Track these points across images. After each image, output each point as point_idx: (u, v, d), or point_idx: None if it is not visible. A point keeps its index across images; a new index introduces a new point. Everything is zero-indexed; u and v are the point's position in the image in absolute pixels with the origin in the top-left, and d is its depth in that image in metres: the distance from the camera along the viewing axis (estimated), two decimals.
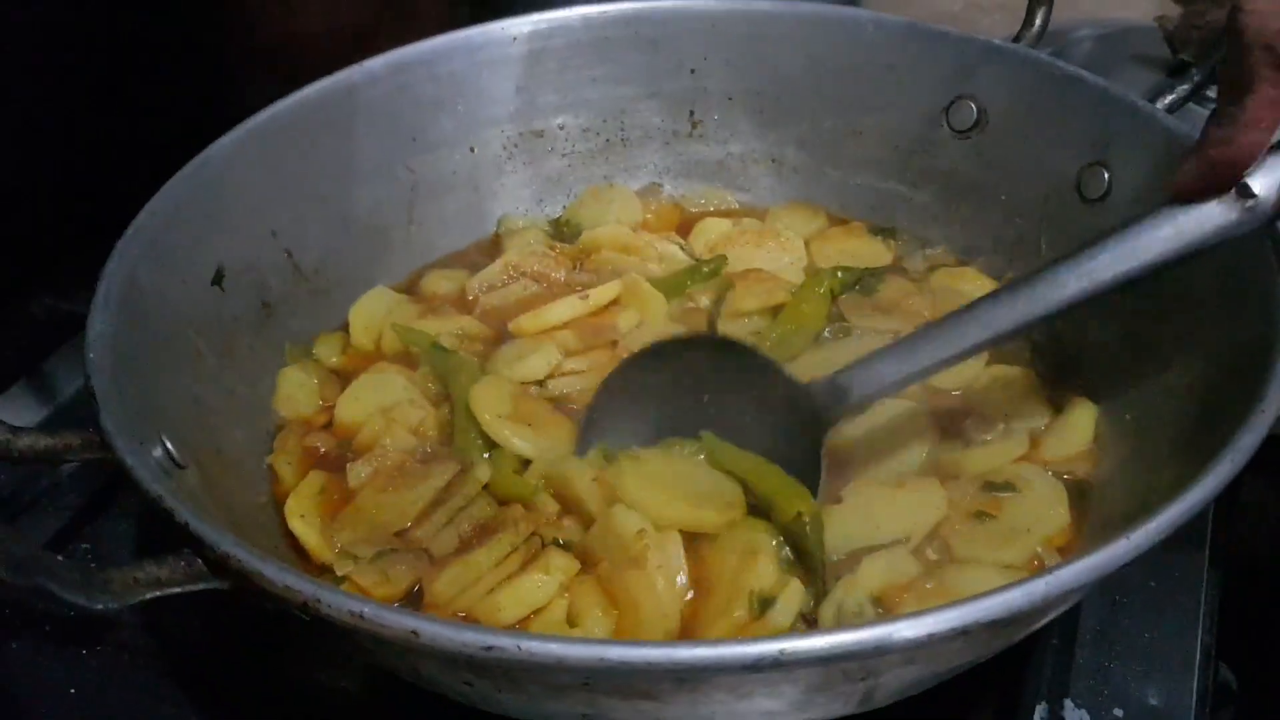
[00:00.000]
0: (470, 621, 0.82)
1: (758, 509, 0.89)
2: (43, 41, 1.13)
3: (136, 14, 1.19)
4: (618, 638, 0.81)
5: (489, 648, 0.59)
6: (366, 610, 0.61)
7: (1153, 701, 0.86)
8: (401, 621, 0.61)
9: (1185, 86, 1.04)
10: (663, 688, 0.63)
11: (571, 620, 0.83)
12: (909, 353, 0.88)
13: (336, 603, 0.62)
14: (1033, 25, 1.15)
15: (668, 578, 0.82)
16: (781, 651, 0.58)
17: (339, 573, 0.88)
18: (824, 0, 1.29)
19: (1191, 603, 0.94)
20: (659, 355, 1.00)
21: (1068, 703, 0.86)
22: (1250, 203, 0.79)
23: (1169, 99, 1.04)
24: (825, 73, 1.21)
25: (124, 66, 1.21)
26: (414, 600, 0.87)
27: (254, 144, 1.07)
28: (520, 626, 0.82)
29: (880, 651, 0.59)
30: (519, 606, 0.83)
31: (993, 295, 0.86)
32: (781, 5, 1.23)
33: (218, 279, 1.01)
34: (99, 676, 0.93)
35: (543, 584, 0.84)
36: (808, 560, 0.84)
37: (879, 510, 0.89)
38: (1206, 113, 0.81)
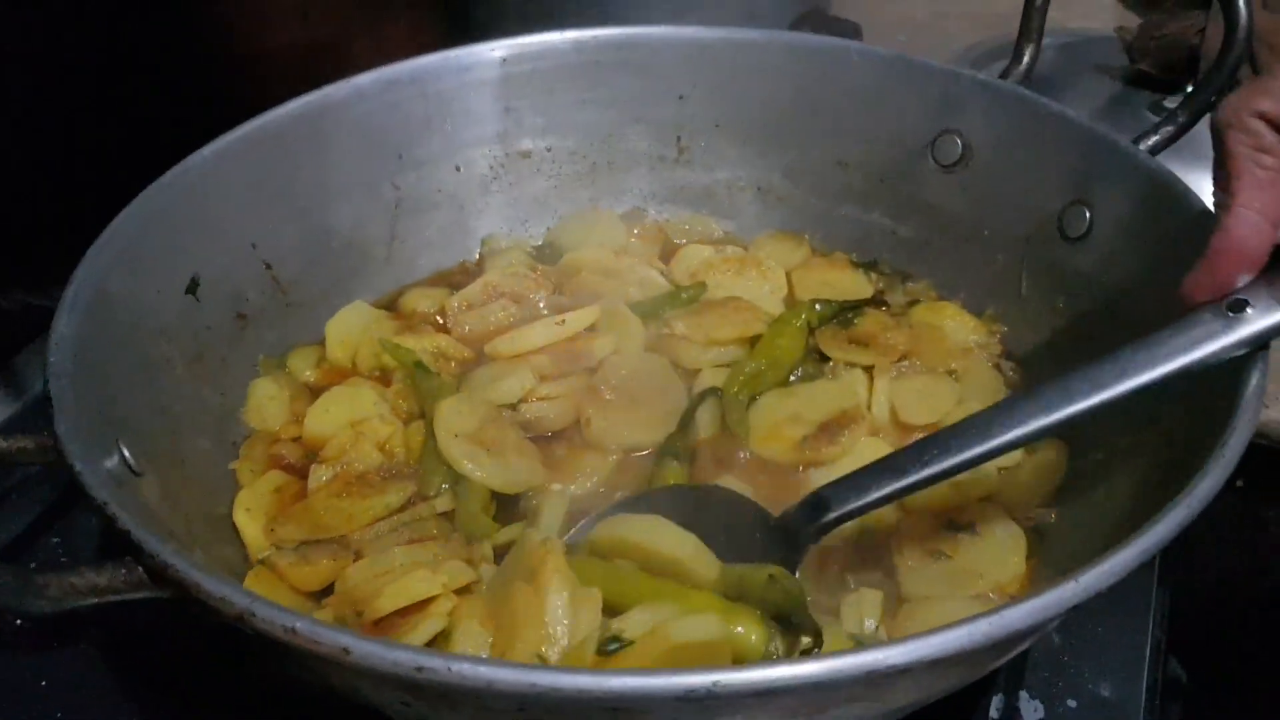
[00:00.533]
0: (355, 614, 0.83)
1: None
2: (25, 43, 1.14)
3: (124, 19, 1.20)
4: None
5: (420, 668, 0.58)
6: (299, 625, 0.61)
7: (1105, 694, 0.88)
8: (333, 638, 0.60)
9: (1169, 128, 1.03)
10: (595, 717, 0.62)
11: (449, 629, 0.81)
12: (881, 474, 0.84)
13: (269, 616, 0.61)
14: (1020, 62, 1.15)
15: (561, 592, 0.79)
16: (715, 684, 0.57)
17: (260, 558, 0.88)
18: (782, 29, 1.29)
19: (1143, 599, 0.95)
20: (651, 498, 0.96)
21: (1023, 694, 0.88)
22: (1243, 315, 0.77)
23: (1153, 140, 1.03)
24: (812, 103, 1.21)
25: (110, 69, 1.22)
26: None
27: (238, 154, 1.07)
28: (398, 620, 0.81)
29: (816, 687, 0.58)
30: (397, 599, 0.82)
31: (977, 416, 0.83)
32: (770, 34, 1.23)
33: (192, 288, 1.01)
34: (71, 671, 0.93)
35: (425, 580, 0.83)
36: (796, 618, 0.81)
37: None
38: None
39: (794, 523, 0.86)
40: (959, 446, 0.81)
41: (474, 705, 0.63)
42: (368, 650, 0.59)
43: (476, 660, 0.58)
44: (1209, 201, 0.93)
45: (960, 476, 0.93)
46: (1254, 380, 0.76)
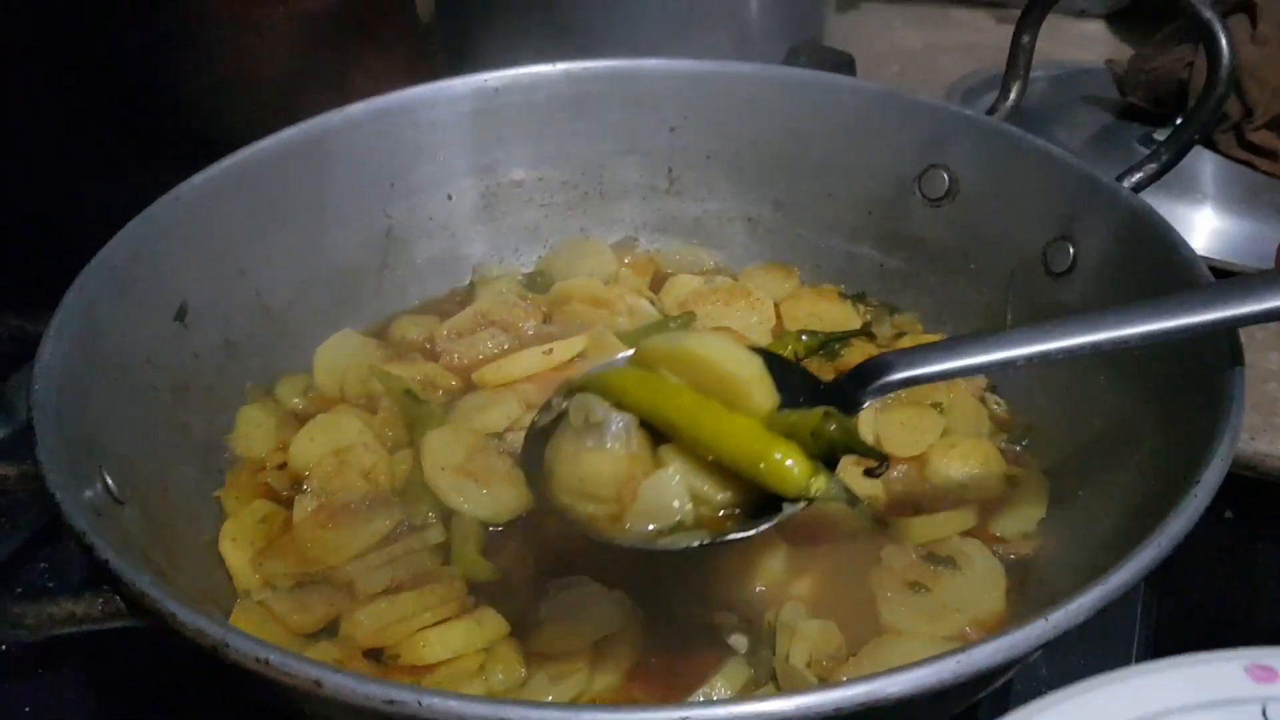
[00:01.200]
0: (391, 656, 0.84)
1: None
2: (19, 72, 1.15)
3: (119, 46, 1.21)
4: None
5: (390, 701, 0.59)
6: (272, 657, 0.61)
7: None
8: (306, 670, 0.60)
9: (1153, 165, 1.04)
10: None
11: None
12: (943, 351, 0.82)
13: (243, 648, 0.62)
14: (1008, 98, 1.15)
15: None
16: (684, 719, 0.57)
17: (255, 599, 0.88)
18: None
19: (1128, 631, 0.96)
20: None
21: None
22: None
23: (1137, 177, 1.04)
24: (802, 136, 1.22)
25: (105, 97, 1.23)
26: (330, 634, 0.88)
27: (229, 182, 1.08)
28: (440, 669, 0.82)
29: None
30: (445, 649, 0.83)
31: (1045, 322, 0.81)
32: (762, 68, 1.24)
33: (180, 315, 1.02)
34: (56, 696, 0.94)
35: (472, 633, 0.84)
36: (856, 449, 0.78)
37: None
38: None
39: (849, 384, 0.83)
40: (1016, 343, 0.79)
41: None
42: (339, 683, 0.60)
43: (446, 694, 0.59)
44: (1192, 239, 0.94)
45: (940, 515, 0.95)
46: (1230, 418, 0.76)
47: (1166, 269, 0.92)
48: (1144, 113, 1.53)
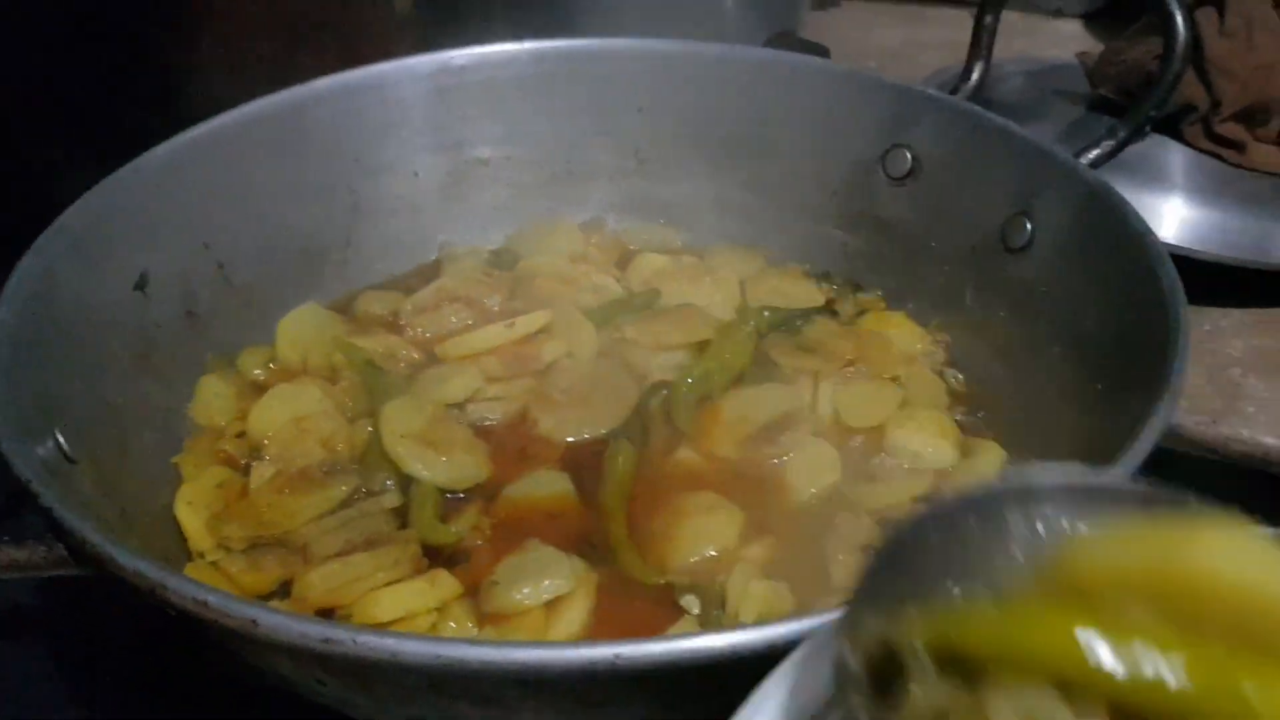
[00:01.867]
0: (343, 616, 0.83)
1: None
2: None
3: (82, 19, 1.21)
4: None
5: (326, 639, 0.59)
6: (210, 598, 0.61)
7: None
8: (242, 610, 0.60)
9: (1110, 142, 1.05)
10: (507, 693, 0.62)
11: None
12: None
13: (182, 589, 0.62)
14: (970, 78, 1.16)
15: None
16: (617, 655, 0.57)
17: (208, 559, 0.87)
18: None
19: None
20: None
21: None
22: None
23: (1094, 154, 1.05)
24: (770, 117, 1.22)
25: (69, 69, 1.23)
26: (284, 596, 0.87)
27: (193, 154, 1.08)
28: (391, 628, 0.82)
29: (725, 658, 0.58)
30: (396, 608, 0.83)
31: None
32: (730, 49, 1.25)
33: (141, 284, 1.01)
34: (20, 668, 0.94)
35: (424, 592, 0.84)
36: None
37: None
38: None
39: None
40: None
41: (383, 681, 0.63)
42: (275, 622, 0.60)
43: (382, 633, 0.59)
44: (1161, 228, 0.94)
45: (895, 482, 0.95)
46: (1164, 397, 0.76)
47: (1119, 242, 0.93)
48: (1114, 105, 1.54)
